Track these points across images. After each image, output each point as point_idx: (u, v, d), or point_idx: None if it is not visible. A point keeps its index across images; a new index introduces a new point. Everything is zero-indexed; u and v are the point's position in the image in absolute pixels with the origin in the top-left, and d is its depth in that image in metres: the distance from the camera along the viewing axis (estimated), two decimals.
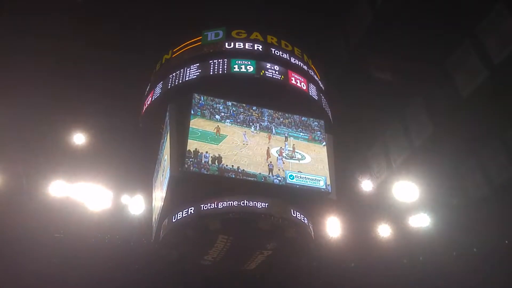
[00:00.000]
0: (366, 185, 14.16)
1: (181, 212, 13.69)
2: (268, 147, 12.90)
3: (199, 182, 12.51)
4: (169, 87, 12.87)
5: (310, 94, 13.42)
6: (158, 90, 13.17)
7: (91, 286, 16.64)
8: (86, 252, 15.55)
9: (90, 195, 13.87)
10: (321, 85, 14.22)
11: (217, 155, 12.06)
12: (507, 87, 11.99)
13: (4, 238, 14.92)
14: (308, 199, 13.94)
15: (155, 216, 14.51)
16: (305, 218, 14.49)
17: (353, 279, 18.62)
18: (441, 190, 14.65)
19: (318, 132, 13.85)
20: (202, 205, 13.61)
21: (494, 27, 12.02)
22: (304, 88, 13.31)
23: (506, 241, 16.53)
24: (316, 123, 13.95)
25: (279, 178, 12.59)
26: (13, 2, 12.50)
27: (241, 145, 12.59)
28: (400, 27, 13.22)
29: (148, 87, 13.80)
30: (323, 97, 14.03)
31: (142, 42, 13.72)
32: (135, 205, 14.41)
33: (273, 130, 13.26)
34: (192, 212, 13.67)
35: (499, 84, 12.07)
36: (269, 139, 13.07)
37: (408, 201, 14.06)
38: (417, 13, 12.82)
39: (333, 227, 14.81)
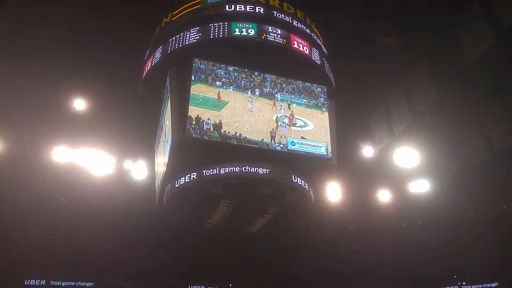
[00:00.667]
0: (368, 151, 14.18)
1: (183, 177, 13.85)
2: (272, 114, 12.80)
3: (201, 148, 12.55)
4: (169, 51, 12.61)
5: (313, 58, 13.15)
6: (158, 55, 12.91)
7: (97, 249, 17.20)
8: (91, 216, 15.88)
9: (93, 160, 13.94)
10: (324, 50, 13.92)
11: (218, 122, 12.00)
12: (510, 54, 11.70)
13: (10, 203, 15.19)
14: (310, 165, 14.05)
15: (158, 181, 14.69)
16: (305, 184, 14.66)
17: (352, 241, 19.16)
18: (441, 156, 14.69)
19: (321, 99, 13.72)
20: (204, 171, 13.77)
21: None
22: (307, 52, 13.03)
23: (504, 206, 16.83)
24: (319, 89, 13.80)
25: (281, 145, 12.61)
26: None
27: (243, 111, 12.50)
28: None
29: (148, 51, 13.54)
30: (326, 62, 13.77)
31: (142, 6, 13.28)
32: (138, 170, 14.53)
33: (277, 96, 13.11)
34: (195, 177, 13.85)
35: (504, 50, 11.76)
36: (274, 105, 12.97)
37: (409, 167, 14.13)
38: None
39: (333, 192, 14.99)
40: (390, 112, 14.42)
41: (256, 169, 13.62)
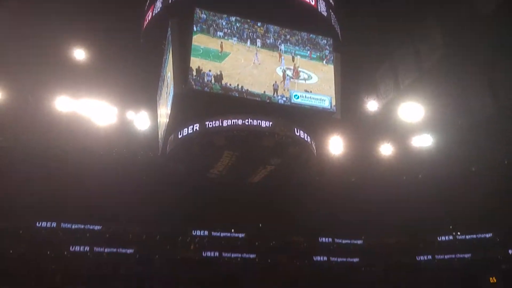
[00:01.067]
0: (372, 105, 14.00)
1: (186, 129, 13.94)
2: (275, 67, 12.53)
3: (202, 100, 12.45)
4: (170, 1, 12.11)
5: (319, 10, 12.59)
6: (158, 5, 12.41)
7: (103, 195, 17.74)
8: (95, 165, 16.18)
9: (96, 110, 13.93)
10: (331, 1, 13.28)
11: (219, 73, 11.78)
12: None
13: (17, 151, 15.46)
14: (313, 119, 13.99)
15: (161, 132, 14.80)
16: (308, 137, 14.72)
17: (353, 192, 19.57)
18: (447, 111, 14.51)
19: (326, 51, 13.31)
20: (207, 122, 13.82)
21: None
22: (313, 3, 12.46)
23: (506, 161, 16.91)
24: (325, 41, 13.33)
25: (283, 98, 12.46)
26: None
27: (246, 63, 12.22)
28: None
29: (148, 1, 13.01)
30: (332, 13, 13.18)
31: None
32: (141, 120, 14.56)
33: (281, 48, 12.73)
34: (197, 128, 13.89)
35: None
36: (280, 57, 12.63)
37: (413, 122, 14.03)
38: None
39: (336, 145, 15.04)
40: (397, 67, 14.02)
41: (259, 122, 13.66)
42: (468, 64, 12.53)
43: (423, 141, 15.43)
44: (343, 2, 13.28)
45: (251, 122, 13.41)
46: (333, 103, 13.23)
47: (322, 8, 12.61)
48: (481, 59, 12.44)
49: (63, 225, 19.61)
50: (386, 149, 15.44)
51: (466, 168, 17.91)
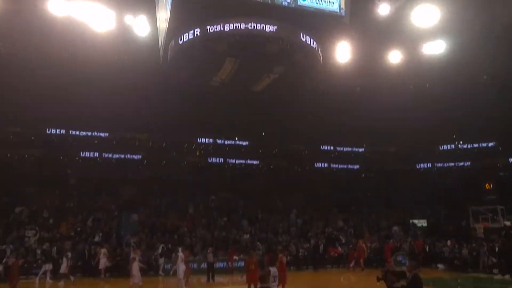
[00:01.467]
0: (383, 8, 13.02)
1: (187, 34, 13.36)
2: None
3: (203, 2, 11.77)
4: None
5: None
6: None
7: (107, 103, 17.69)
8: (96, 72, 15.84)
9: (92, 15, 13.18)
10: None
11: None
12: None
13: (15, 59, 15.12)
14: (319, 23, 13.24)
15: (161, 38, 14.21)
16: (314, 43, 14.06)
17: (358, 100, 19.31)
18: (465, 15, 13.53)
19: None
20: (208, 27, 13.15)
21: None
22: None
23: None
24: None
25: (287, 1, 11.67)
26: None
27: None
28: None
29: None
30: None
31: None
32: (140, 26, 13.87)
33: None
34: (198, 34, 13.26)
35: None
36: None
37: (426, 26, 13.18)
38: None
39: (343, 52, 14.41)
40: None
41: (263, 26, 12.98)
42: None
43: (435, 48, 14.70)
44: None
45: (254, 26, 12.77)
46: (342, 6, 12.44)
47: None
48: None
49: (71, 132, 20.04)
50: (395, 57, 14.80)
51: (478, 76, 17.28)
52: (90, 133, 20.11)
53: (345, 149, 24.41)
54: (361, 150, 24.65)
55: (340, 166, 24.09)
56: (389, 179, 23.68)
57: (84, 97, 17.19)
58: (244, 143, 22.89)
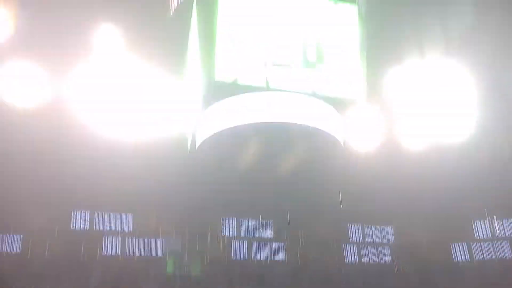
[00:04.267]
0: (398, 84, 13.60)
1: (216, 122, 14.17)
2: None
3: (229, 91, 12.57)
4: None
5: None
6: None
7: (132, 187, 17.89)
8: (122, 160, 16.26)
9: None
10: None
11: None
12: None
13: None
14: (338, 105, 13.92)
15: (190, 128, 15.02)
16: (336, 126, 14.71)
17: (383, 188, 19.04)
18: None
19: None
20: (237, 116, 13.98)
21: None
22: None
23: None
24: None
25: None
26: None
27: None
28: None
29: None
30: None
31: None
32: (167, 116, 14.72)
33: None
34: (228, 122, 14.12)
35: None
36: None
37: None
38: None
39: (364, 133, 14.91)
40: (423, 39, 13.58)
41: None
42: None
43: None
44: None
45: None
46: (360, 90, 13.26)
47: None
48: None
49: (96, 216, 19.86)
50: (420, 134, 14.96)
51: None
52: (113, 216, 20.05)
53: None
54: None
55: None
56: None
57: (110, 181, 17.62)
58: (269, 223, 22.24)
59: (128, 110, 13.69)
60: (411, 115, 14.19)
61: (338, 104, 13.77)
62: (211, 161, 15.80)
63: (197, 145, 14.96)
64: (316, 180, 18.21)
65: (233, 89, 12.30)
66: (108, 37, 12.93)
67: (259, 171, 16.05)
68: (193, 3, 12.49)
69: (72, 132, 14.30)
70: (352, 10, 13.09)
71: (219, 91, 12.34)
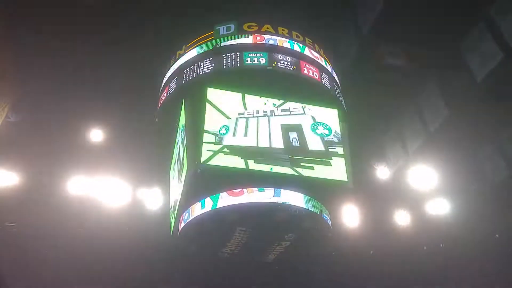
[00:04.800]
0: (382, 172, 14.10)
1: (199, 206, 13.85)
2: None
3: (215, 175, 12.53)
4: (183, 82, 12.98)
5: (323, 83, 13.38)
6: (173, 86, 13.29)
7: (110, 280, 16.94)
8: (104, 247, 15.81)
9: (107, 190, 14.09)
10: (334, 75, 14.18)
11: None
12: None
13: (22, 236, 15.31)
14: (325, 189, 13.93)
15: (172, 209, 14.69)
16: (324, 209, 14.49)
17: (373, 266, 18.60)
18: (459, 176, 14.52)
19: None
20: (220, 199, 13.74)
21: (509, 10, 11.85)
22: (317, 77, 13.29)
23: None
24: None
25: (295, 174, 12.57)
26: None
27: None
28: (412, 12, 13.08)
29: (164, 82, 13.95)
30: (336, 85, 13.99)
31: (156, 39, 13.89)
32: (153, 199, 14.59)
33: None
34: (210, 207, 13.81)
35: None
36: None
37: (426, 188, 13.97)
38: None
39: (350, 215, 14.80)
40: (403, 132, 14.45)
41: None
42: (475, 126, 12.90)
43: (439, 208, 15.19)
44: (346, 72, 14.17)
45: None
46: (346, 172, 13.31)
47: (325, 81, 13.40)
48: (487, 120, 12.83)
49: None
50: (402, 218, 15.15)
51: (489, 235, 17.25)
52: None
53: None
54: None
55: None
56: None
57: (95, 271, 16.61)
58: None
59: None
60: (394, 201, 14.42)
61: (323, 186, 13.68)
62: (193, 247, 15.14)
63: (179, 229, 14.49)
64: (303, 264, 17.63)
65: (217, 171, 12.19)
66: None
67: (243, 255, 15.36)
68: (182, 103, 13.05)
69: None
70: (333, 113, 13.59)
71: (203, 174, 12.20)
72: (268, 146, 12.36)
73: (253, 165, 12.14)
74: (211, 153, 11.85)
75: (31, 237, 15.28)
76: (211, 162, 11.77)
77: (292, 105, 13.30)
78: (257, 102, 13.08)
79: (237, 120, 12.56)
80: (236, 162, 12.06)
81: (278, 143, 12.49)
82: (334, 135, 13.22)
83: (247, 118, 12.72)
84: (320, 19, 14.33)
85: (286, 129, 12.90)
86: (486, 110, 12.73)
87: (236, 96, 12.94)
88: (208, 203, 13.69)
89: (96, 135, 14.11)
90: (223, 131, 12.16)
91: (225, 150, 12.01)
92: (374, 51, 14.19)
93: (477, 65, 12.68)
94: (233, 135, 12.32)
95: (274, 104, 13.13)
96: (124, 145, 14.20)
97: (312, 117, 13.22)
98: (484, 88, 12.42)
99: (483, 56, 12.56)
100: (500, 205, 15.69)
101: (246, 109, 12.90)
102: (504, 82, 12.22)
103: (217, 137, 11.98)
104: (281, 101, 13.22)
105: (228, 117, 12.45)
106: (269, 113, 13.03)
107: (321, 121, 13.27)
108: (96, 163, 13.99)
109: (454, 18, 12.69)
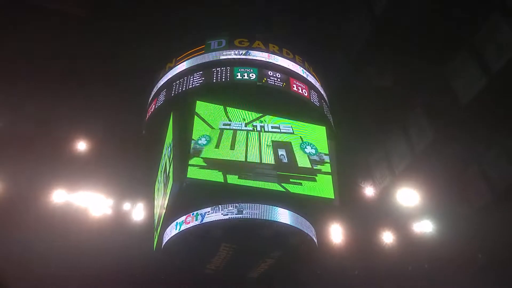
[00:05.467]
0: (369, 191, 14.19)
1: (183, 221, 13.67)
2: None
3: (201, 190, 12.46)
4: (172, 94, 12.94)
5: (312, 101, 13.50)
6: (161, 98, 13.24)
7: None
8: (85, 260, 15.43)
9: (91, 202, 13.83)
10: (323, 92, 14.33)
11: None
12: (506, 93, 12.14)
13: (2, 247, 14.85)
14: (311, 206, 13.92)
15: (156, 223, 14.45)
16: (310, 226, 14.43)
17: (358, 286, 18.48)
18: (443, 197, 14.67)
19: None
20: (205, 214, 13.59)
21: (491, 36, 12.23)
22: (306, 95, 13.41)
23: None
24: None
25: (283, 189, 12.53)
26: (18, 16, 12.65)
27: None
28: (399, 35, 13.41)
29: (152, 94, 13.89)
30: (324, 103, 14.12)
31: (146, 51, 13.88)
32: (136, 212, 14.35)
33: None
34: (195, 222, 13.64)
35: (498, 90, 12.22)
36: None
37: (411, 208, 14.07)
38: (415, 22, 13.04)
39: (336, 234, 14.77)
40: (390, 152, 14.62)
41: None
42: (459, 148, 13.11)
43: (424, 227, 15.28)
44: (335, 91, 14.36)
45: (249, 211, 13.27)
46: (333, 190, 13.33)
47: (314, 99, 13.54)
48: (471, 143, 13.06)
49: None
50: (387, 237, 15.18)
51: (473, 256, 17.34)
52: None
53: None
54: None
55: None
56: None
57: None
58: None
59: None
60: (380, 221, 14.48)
61: (310, 203, 13.65)
62: (176, 262, 14.86)
63: (163, 243, 14.24)
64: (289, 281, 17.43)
65: (204, 185, 12.08)
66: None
67: (227, 271, 15.14)
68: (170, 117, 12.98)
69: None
70: (321, 130, 13.70)
71: (188, 187, 12.07)
72: (258, 161, 12.43)
73: (238, 180, 12.10)
74: (197, 166, 11.76)
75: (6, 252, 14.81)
76: (196, 176, 11.69)
77: (282, 122, 13.53)
78: (244, 115, 13.21)
79: (222, 131, 12.62)
80: (217, 176, 11.94)
81: (268, 159, 12.62)
82: (320, 154, 13.36)
83: (233, 130, 12.76)
84: (310, 40, 14.56)
85: (276, 146, 12.96)
86: (470, 133, 12.98)
87: (220, 107, 12.92)
88: (193, 217, 13.60)
89: (80, 146, 13.89)
90: (203, 141, 12.17)
91: (204, 163, 11.87)
92: (362, 72, 14.44)
93: (462, 89, 13.00)
94: (216, 147, 12.24)
95: (262, 121, 13.18)
96: (109, 158, 13.99)
97: (301, 137, 13.37)
98: (468, 111, 12.71)
99: (467, 80, 12.89)
100: (483, 227, 15.81)
101: (231, 121, 12.89)
102: (488, 106, 12.53)
103: (195, 148, 11.88)
104: (269, 117, 13.34)
105: (212, 127, 12.48)
106: (259, 128, 13.09)
107: (308, 140, 13.43)
108: (80, 175, 13.73)
109: (440, 43, 13.05)
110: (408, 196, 13.87)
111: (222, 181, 11.84)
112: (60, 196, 13.36)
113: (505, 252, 16.94)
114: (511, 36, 11.40)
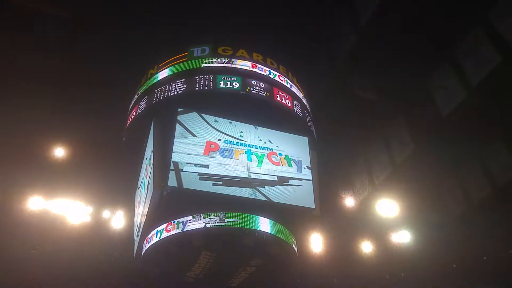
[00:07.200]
0: (349, 201, 14.36)
1: (164, 229, 13.53)
2: None
3: (182, 198, 12.41)
4: (154, 102, 12.80)
5: (295, 111, 13.56)
6: (142, 105, 13.08)
7: None
8: (63, 268, 15.10)
9: (70, 210, 13.54)
10: (306, 103, 14.40)
11: None
12: (485, 107, 12.41)
13: None
14: (292, 215, 13.98)
15: (136, 231, 14.27)
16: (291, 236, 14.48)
17: None
18: (421, 208, 14.91)
19: None
20: (185, 223, 13.50)
21: (472, 49, 12.50)
22: (289, 105, 13.46)
23: (485, 257, 16.86)
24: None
25: (265, 199, 12.57)
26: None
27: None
28: (382, 48, 13.58)
29: (133, 101, 13.71)
30: (307, 114, 14.20)
31: (127, 56, 13.68)
32: (116, 220, 14.14)
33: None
34: (176, 230, 13.52)
35: (477, 104, 12.49)
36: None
37: (390, 218, 14.25)
38: (399, 35, 13.23)
39: (316, 243, 14.86)
40: (370, 163, 14.80)
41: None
42: (439, 160, 13.34)
43: (402, 238, 15.49)
44: (318, 102, 14.46)
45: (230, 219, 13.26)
46: (314, 199, 13.44)
47: (297, 109, 13.62)
48: (450, 155, 13.32)
49: None
50: (366, 246, 15.35)
51: (448, 265, 17.70)
52: None
53: None
54: None
55: None
56: None
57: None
58: None
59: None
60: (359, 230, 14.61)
61: (291, 212, 13.72)
62: (156, 270, 14.70)
63: (143, 251, 14.06)
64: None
65: (184, 194, 12.01)
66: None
67: (208, 279, 15.05)
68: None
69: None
70: (303, 140, 13.81)
71: (169, 196, 11.98)
72: (247, 176, 12.47)
73: (221, 189, 12.09)
74: (179, 175, 11.69)
75: None
76: (178, 184, 11.62)
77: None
78: (233, 130, 13.30)
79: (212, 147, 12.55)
80: (205, 186, 11.96)
81: (256, 174, 12.66)
82: (303, 167, 13.45)
83: (225, 145, 12.76)
84: (294, 50, 14.62)
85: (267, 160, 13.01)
86: (449, 144, 13.24)
87: (209, 119, 12.88)
88: (174, 226, 13.48)
89: (58, 153, 13.57)
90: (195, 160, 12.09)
91: (196, 175, 11.85)
92: (346, 83, 14.57)
93: (443, 100, 13.25)
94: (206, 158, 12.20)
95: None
96: (88, 164, 13.72)
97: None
98: (449, 123, 12.96)
99: (448, 91, 13.14)
100: (459, 237, 16.14)
101: (223, 133, 12.87)
102: (468, 118, 12.80)
103: (185, 163, 11.98)
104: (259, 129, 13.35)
105: (201, 142, 12.42)
106: (249, 142, 13.08)
107: (292, 154, 13.50)
108: (57, 182, 13.41)
109: (422, 55, 13.27)
110: (387, 206, 14.04)
111: (213, 191, 11.88)
112: (37, 203, 13.02)
113: (480, 260, 17.40)
114: (492, 49, 11.67)
